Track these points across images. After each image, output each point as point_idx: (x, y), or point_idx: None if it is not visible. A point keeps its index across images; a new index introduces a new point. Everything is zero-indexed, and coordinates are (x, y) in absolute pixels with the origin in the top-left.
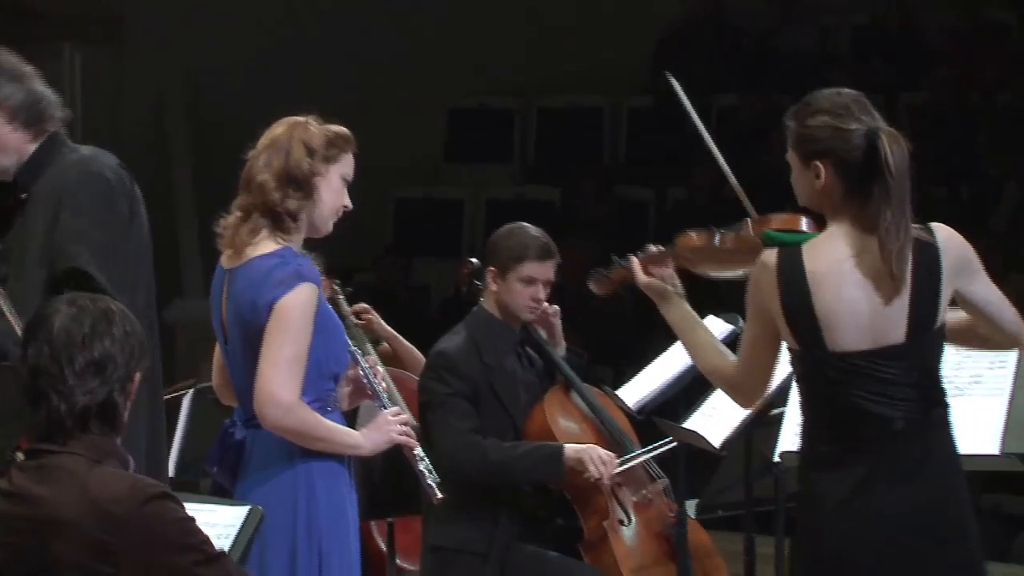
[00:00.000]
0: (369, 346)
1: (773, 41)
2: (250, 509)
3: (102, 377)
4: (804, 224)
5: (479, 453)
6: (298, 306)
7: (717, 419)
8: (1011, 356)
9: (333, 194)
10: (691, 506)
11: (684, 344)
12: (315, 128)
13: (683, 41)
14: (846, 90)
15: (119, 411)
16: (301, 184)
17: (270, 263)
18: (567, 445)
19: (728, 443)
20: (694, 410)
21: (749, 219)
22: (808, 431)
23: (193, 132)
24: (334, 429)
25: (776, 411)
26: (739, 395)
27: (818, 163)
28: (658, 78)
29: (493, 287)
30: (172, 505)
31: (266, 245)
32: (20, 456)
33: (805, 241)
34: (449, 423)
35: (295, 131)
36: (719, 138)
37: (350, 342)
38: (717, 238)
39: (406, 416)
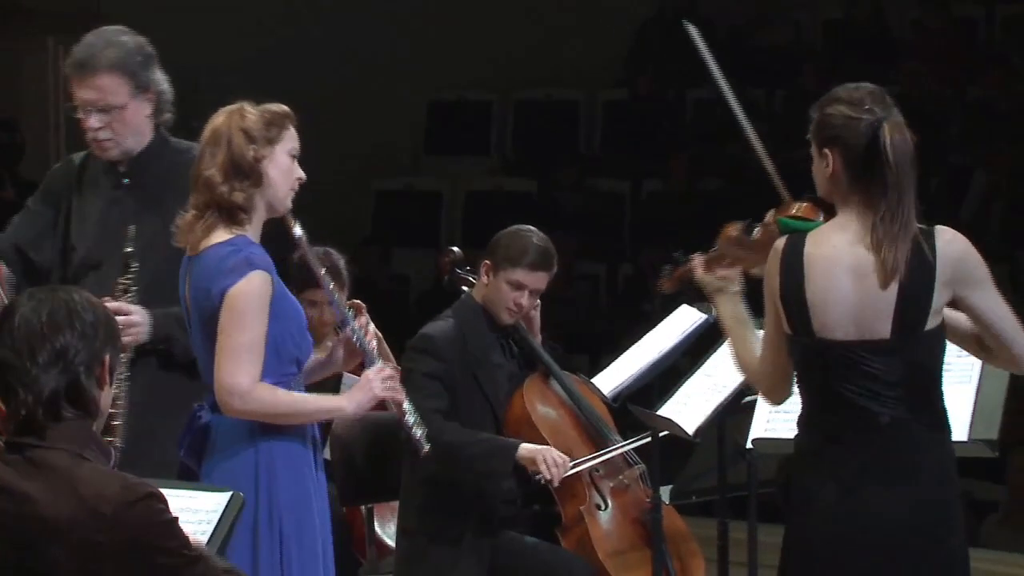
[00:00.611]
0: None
1: (747, 36)
2: (231, 495)
3: (64, 363)
4: (821, 215)
5: (435, 432)
6: (249, 294)
7: (691, 406)
8: None
9: (283, 173)
10: (666, 492)
11: (730, 341)
12: (251, 112)
13: (658, 35)
14: (866, 84)
15: (88, 394)
16: (248, 173)
17: (223, 251)
18: (524, 444)
19: (702, 430)
20: (668, 398)
21: (773, 210)
22: (802, 420)
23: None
24: (303, 400)
25: (748, 399)
26: (763, 390)
27: (827, 150)
28: (632, 72)
29: (484, 279)
30: (159, 506)
31: (220, 234)
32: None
33: (814, 228)
34: (415, 401)
35: (232, 120)
36: (695, 131)
37: (342, 304)
38: (752, 230)
39: (389, 371)
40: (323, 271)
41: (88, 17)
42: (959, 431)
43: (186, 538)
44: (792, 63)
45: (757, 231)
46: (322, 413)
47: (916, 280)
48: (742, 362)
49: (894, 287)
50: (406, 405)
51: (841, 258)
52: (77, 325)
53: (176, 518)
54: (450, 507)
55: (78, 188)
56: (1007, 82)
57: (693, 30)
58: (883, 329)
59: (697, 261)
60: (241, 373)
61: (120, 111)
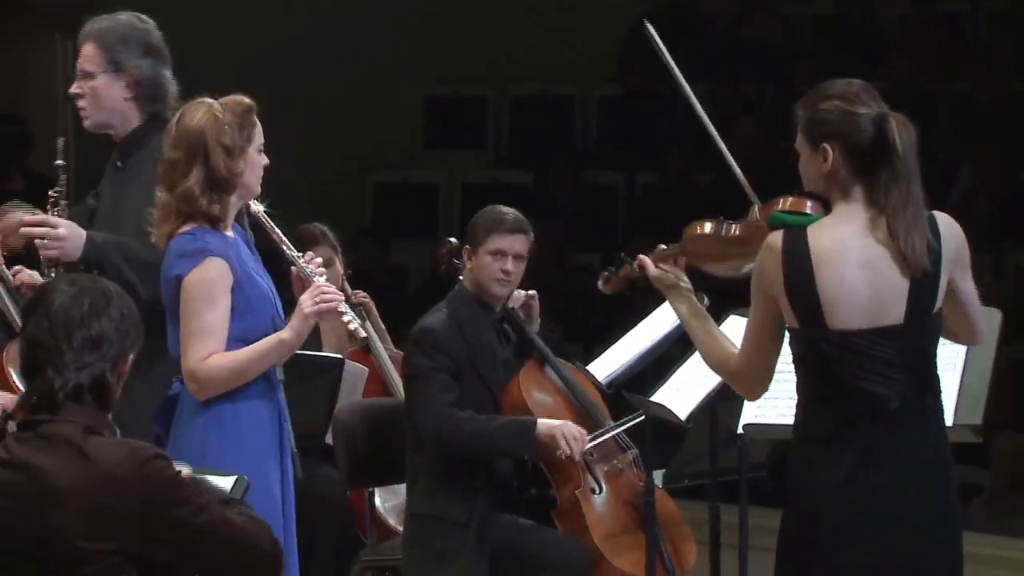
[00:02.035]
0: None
1: (738, 31)
2: (236, 479)
3: (97, 354)
4: (809, 207)
5: (455, 424)
6: (201, 280)
7: (684, 393)
8: None
9: (254, 170)
10: (659, 476)
11: (692, 336)
12: (225, 120)
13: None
14: (856, 80)
15: (110, 389)
16: (225, 187)
17: (182, 240)
18: (541, 420)
19: (694, 415)
20: (661, 384)
21: (756, 205)
22: (804, 410)
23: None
24: (250, 350)
25: None
26: (742, 384)
27: (826, 145)
28: (626, 68)
29: (469, 264)
30: (165, 463)
31: (183, 227)
32: (12, 426)
33: (810, 223)
34: (430, 395)
35: (208, 131)
36: (688, 126)
37: (292, 252)
38: (723, 227)
39: (321, 288)
40: (274, 231)
41: (94, 14)
42: (945, 416)
43: (192, 487)
44: (783, 58)
45: (736, 227)
46: (271, 352)
47: (926, 266)
48: (714, 357)
49: (907, 274)
50: (341, 308)
51: (850, 250)
52: (115, 318)
53: (179, 471)
54: (453, 492)
55: (105, 177)
56: (990, 76)
57: (651, 29)
58: (897, 315)
59: (648, 260)
60: (191, 358)
61: (91, 80)
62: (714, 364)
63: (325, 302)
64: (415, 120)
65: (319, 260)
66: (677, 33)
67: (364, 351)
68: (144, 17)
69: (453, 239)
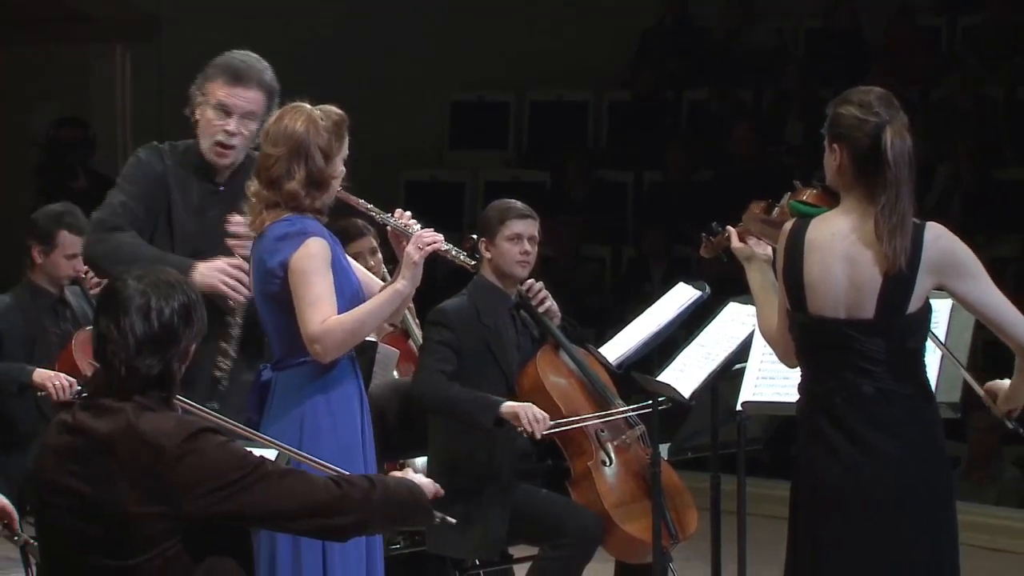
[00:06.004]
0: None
1: (736, 41)
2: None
3: (162, 350)
4: (825, 201)
5: (438, 388)
6: (306, 257)
7: (687, 373)
8: (943, 316)
9: (339, 179)
10: (664, 449)
11: (756, 303)
12: (323, 127)
13: (658, 41)
14: (877, 88)
15: (175, 378)
16: (321, 187)
17: (279, 227)
18: (507, 401)
19: (697, 394)
20: (667, 365)
21: (789, 193)
22: (800, 388)
23: None
24: (366, 307)
25: (738, 366)
26: (777, 351)
27: (836, 145)
28: (635, 74)
29: (487, 255)
30: (215, 435)
31: (277, 215)
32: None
33: (819, 214)
34: (425, 363)
35: (310, 135)
36: (691, 127)
37: (382, 213)
38: (770, 209)
39: (422, 235)
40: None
41: (150, 25)
42: (934, 401)
43: (244, 453)
44: (777, 67)
45: (776, 211)
46: (387, 305)
47: (901, 269)
48: (762, 327)
49: (880, 274)
50: (444, 246)
51: (836, 245)
52: (179, 312)
53: (231, 440)
54: (474, 463)
55: (180, 188)
56: (966, 84)
57: None
58: (867, 311)
59: (732, 232)
60: (311, 324)
61: (254, 123)
62: (762, 330)
63: (429, 244)
64: (442, 123)
65: (408, 214)
66: (679, 43)
67: (403, 336)
68: None
69: (475, 235)
